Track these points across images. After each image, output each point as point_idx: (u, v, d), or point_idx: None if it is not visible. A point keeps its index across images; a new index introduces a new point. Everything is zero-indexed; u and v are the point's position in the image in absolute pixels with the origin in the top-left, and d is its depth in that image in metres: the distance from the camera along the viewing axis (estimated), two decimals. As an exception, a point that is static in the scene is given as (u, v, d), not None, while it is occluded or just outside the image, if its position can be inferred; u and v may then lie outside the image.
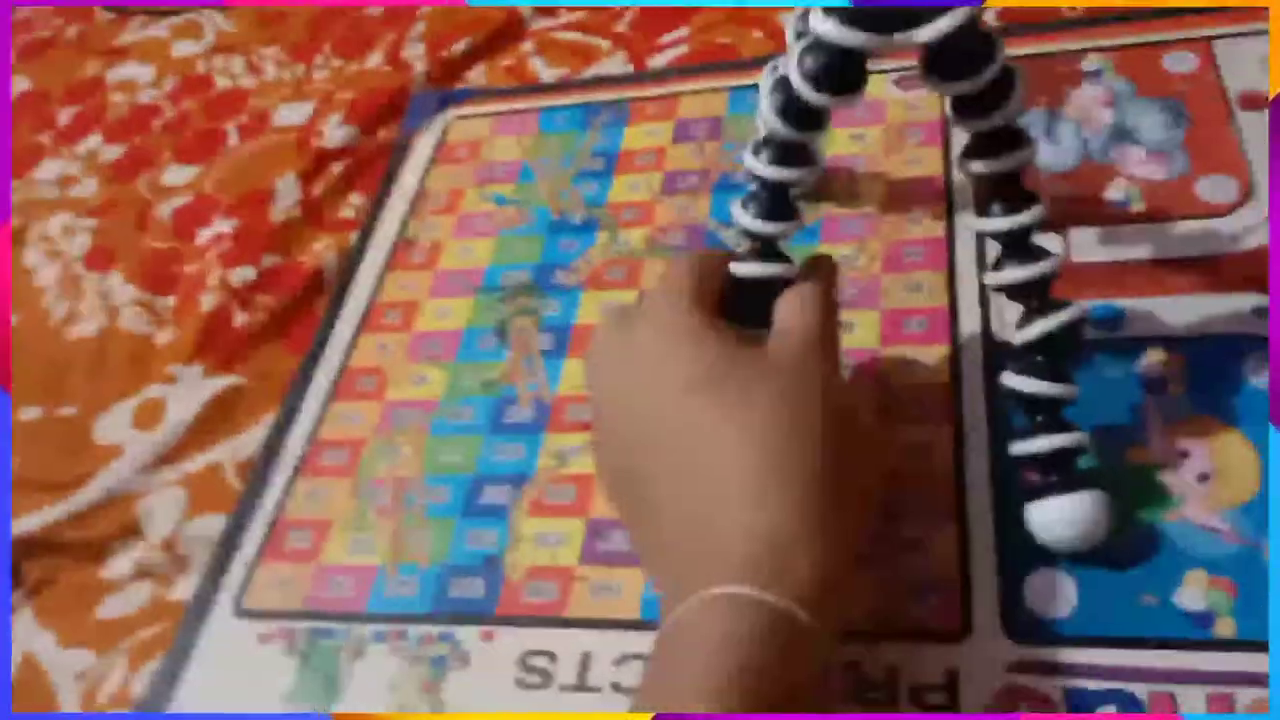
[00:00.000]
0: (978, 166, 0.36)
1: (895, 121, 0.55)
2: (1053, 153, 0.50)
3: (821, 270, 0.39)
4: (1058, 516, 0.37)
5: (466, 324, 0.53)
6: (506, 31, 0.73)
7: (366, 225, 0.62)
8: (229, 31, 0.84)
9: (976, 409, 0.43)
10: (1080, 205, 0.48)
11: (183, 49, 0.83)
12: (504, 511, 0.45)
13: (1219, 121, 0.49)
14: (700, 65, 0.65)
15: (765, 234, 0.38)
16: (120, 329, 0.62)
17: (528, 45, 0.72)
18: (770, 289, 0.38)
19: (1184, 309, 0.43)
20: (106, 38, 0.88)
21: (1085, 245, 0.47)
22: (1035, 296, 0.38)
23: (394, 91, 0.70)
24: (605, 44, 0.70)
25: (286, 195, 0.66)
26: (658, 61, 0.67)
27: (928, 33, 0.32)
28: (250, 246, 0.64)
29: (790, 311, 0.37)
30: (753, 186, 0.38)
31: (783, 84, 0.35)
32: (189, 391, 0.57)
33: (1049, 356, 0.38)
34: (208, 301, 0.61)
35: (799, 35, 0.42)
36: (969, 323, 0.46)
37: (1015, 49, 0.54)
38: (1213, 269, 0.44)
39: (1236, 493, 0.38)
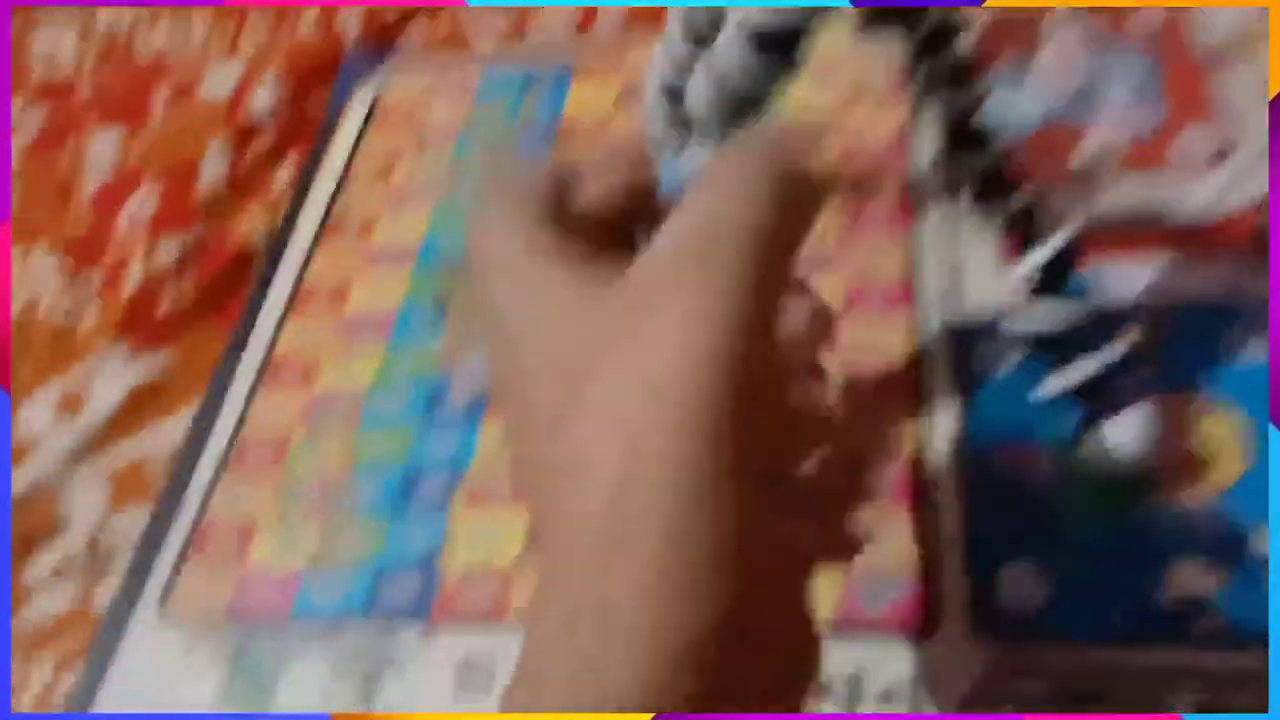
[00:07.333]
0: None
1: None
2: (1023, 106, 0.47)
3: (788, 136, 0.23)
4: (1123, 432, 0.36)
5: (402, 301, 0.50)
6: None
7: (296, 197, 0.58)
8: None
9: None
10: (1052, 162, 0.45)
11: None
12: (441, 507, 0.43)
13: (1196, 73, 0.46)
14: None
15: None
16: (43, 306, 0.59)
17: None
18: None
19: (1161, 276, 0.41)
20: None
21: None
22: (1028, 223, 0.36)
23: (327, 53, 0.67)
24: None
25: (214, 165, 0.62)
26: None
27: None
28: (176, 219, 0.60)
29: (704, 195, 0.21)
30: None
31: None
32: (114, 375, 0.54)
33: (1055, 278, 0.36)
34: (133, 277, 0.58)
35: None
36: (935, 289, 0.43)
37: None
38: (1191, 232, 0.42)
39: (1221, 476, 0.36)
